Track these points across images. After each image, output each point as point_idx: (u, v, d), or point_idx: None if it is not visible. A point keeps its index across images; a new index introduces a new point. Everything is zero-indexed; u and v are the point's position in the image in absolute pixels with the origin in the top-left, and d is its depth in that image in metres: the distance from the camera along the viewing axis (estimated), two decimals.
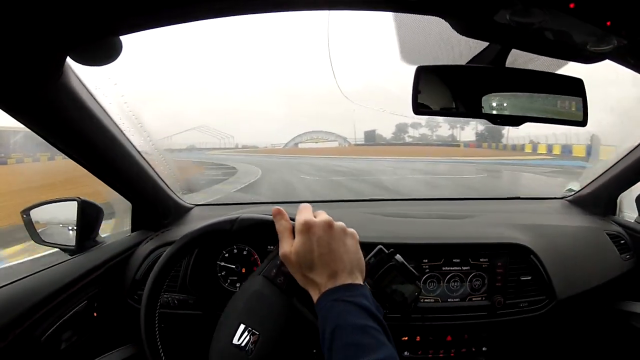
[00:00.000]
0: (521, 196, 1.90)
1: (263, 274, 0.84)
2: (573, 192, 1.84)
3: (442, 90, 0.79)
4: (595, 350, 1.58)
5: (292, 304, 0.79)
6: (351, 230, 0.78)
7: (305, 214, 0.76)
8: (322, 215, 0.77)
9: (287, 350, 0.73)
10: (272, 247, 1.21)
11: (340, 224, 0.77)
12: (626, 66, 0.93)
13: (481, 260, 1.27)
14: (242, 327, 0.77)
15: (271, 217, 0.82)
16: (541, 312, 1.27)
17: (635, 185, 1.59)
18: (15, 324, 0.92)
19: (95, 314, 1.17)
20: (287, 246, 0.74)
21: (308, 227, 0.73)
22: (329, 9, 0.75)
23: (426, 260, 1.25)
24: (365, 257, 0.88)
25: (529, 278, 1.29)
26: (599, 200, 1.70)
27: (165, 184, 1.41)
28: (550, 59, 0.87)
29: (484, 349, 1.29)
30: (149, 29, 0.69)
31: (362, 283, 0.72)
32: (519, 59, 0.86)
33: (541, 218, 1.58)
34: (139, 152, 1.21)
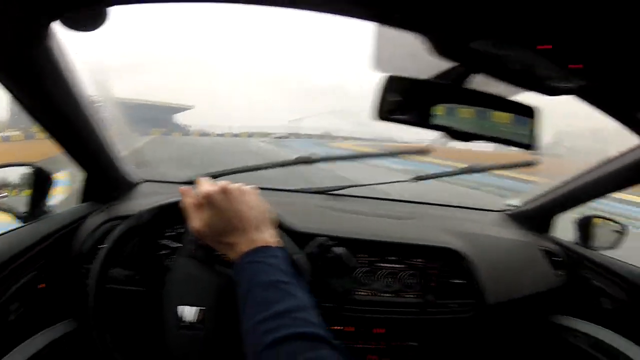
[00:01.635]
0: (463, 205, 2.00)
1: (183, 255, 0.87)
2: (513, 207, 1.95)
3: (406, 100, 0.84)
4: (523, 357, 1.70)
5: (218, 272, 0.85)
6: (247, 188, 0.84)
7: (204, 186, 0.81)
8: (220, 183, 0.82)
9: (233, 315, 0.76)
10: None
11: (236, 185, 0.82)
12: (593, 105, 1.00)
13: (416, 260, 1.35)
14: (184, 309, 0.81)
15: (176, 198, 0.88)
16: (470, 315, 1.37)
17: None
18: None
19: (42, 285, 1.16)
20: (196, 221, 0.79)
21: (208, 197, 0.78)
22: (316, 11, 0.76)
23: (365, 255, 1.31)
24: (304, 247, 0.93)
25: (460, 282, 1.38)
26: (537, 218, 1.81)
27: (118, 156, 1.40)
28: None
29: (413, 343, 1.37)
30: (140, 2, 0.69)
31: (271, 240, 0.77)
32: (478, 79, 0.92)
33: (479, 227, 1.68)
34: (102, 123, 1.20)
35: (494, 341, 1.63)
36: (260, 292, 0.66)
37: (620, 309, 1.50)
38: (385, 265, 1.33)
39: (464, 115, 0.88)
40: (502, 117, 0.91)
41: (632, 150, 1.33)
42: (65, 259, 1.22)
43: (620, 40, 0.64)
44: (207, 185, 0.81)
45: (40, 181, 1.24)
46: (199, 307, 0.80)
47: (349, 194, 1.80)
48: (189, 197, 0.82)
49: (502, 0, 0.59)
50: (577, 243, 1.75)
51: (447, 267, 1.38)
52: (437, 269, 1.36)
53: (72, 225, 1.26)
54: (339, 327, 1.30)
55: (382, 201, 1.93)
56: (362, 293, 1.29)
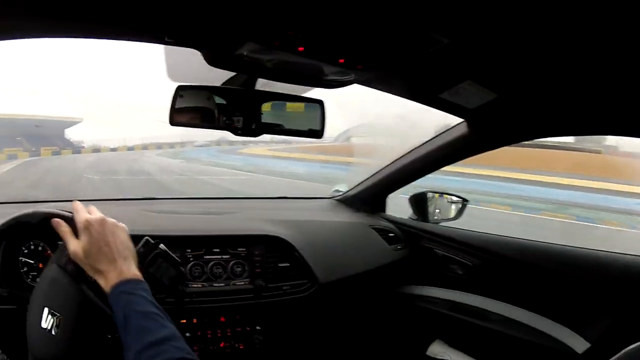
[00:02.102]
0: (288, 196, 2.12)
1: (56, 263, 0.93)
2: (341, 193, 2.09)
3: (196, 106, 0.95)
4: (376, 328, 1.84)
5: (83, 290, 0.90)
6: (121, 224, 0.94)
7: (83, 213, 0.90)
8: (97, 213, 0.92)
9: (86, 331, 0.85)
10: (61, 242, 1.26)
11: (112, 220, 0.92)
12: (376, 89, 1.14)
13: (239, 249, 1.44)
14: (46, 310, 0.87)
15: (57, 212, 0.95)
16: (305, 295, 1.47)
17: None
18: None
19: None
20: (74, 243, 0.87)
21: (88, 225, 0.87)
22: (109, 38, 0.83)
23: (189, 250, 1.38)
24: (135, 247, 1.02)
25: (287, 265, 1.48)
26: (367, 199, 1.98)
27: None
28: None
29: (257, 327, 1.46)
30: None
31: (138, 274, 0.88)
32: (272, 83, 1.03)
33: (304, 214, 1.82)
34: None
35: (343, 316, 1.73)
36: (138, 321, 0.76)
37: (471, 272, 1.65)
38: (211, 257, 1.39)
39: (264, 113, 1.01)
40: (295, 109, 1.06)
41: (449, 129, 1.53)
42: None
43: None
44: (85, 212, 0.90)
45: None
46: (58, 313, 0.85)
47: (173, 197, 1.89)
48: (64, 225, 0.90)
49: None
50: (414, 219, 1.89)
51: (270, 252, 1.47)
52: (261, 255, 1.44)
53: None
54: (184, 321, 1.37)
55: (204, 200, 2.04)
56: (195, 285, 1.35)
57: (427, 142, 1.65)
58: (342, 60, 0.85)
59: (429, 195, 1.89)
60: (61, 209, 1.08)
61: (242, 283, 1.41)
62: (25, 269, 1.28)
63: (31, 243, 1.28)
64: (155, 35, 0.81)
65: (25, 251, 1.28)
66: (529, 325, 1.49)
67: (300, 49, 0.78)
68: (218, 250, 1.42)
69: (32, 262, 1.27)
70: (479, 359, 1.60)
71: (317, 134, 1.07)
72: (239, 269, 1.42)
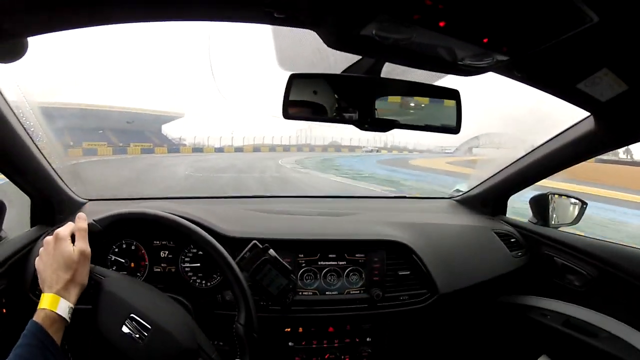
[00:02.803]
0: (407, 195, 1.99)
1: None
2: (461, 193, 1.94)
3: (312, 97, 0.82)
4: (487, 341, 1.69)
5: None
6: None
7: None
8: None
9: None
10: (157, 243, 1.26)
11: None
12: (512, 78, 0.99)
13: (357, 255, 1.33)
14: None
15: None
16: (423, 305, 1.34)
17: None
18: None
19: (4, 310, 1.14)
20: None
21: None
22: (209, 20, 0.76)
23: (302, 255, 1.29)
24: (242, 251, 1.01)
25: (408, 273, 1.35)
26: (488, 200, 1.81)
27: (61, 179, 1.39)
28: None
29: (368, 339, 1.35)
30: (58, 30, 0.70)
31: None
32: (396, 68, 0.91)
33: (425, 217, 1.67)
34: (37, 146, 1.19)
35: (453, 327, 1.61)
36: None
37: (591, 284, 1.49)
38: (326, 263, 1.30)
39: (385, 105, 0.87)
40: (426, 106, 0.91)
41: (574, 126, 1.35)
42: (21, 283, 1.19)
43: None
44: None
45: None
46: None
47: (283, 195, 1.80)
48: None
49: None
50: (534, 222, 1.73)
51: (391, 259, 1.36)
52: (380, 262, 1.34)
53: (24, 250, 1.23)
54: (288, 329, 1.29)
55: (320, 199, 1.92)
56: (306, 293, 1.27)
57: (550, 140, 1.49)
58: (486, 40, 0.71)
59: (550, 196, 1.71)
60: (162, 209, 1.04)
61: (357, 292, 1.31)
62: (114, 267, 1.26)
63: (123, 242, 1.27)
64: (263, 11, 0.70)
65: (116, 250, 1.27)
66: None
67: (442, 23, 0.65)
68: (334, 256, 1.32)
69: (122, 260, 1.26)
70: None
71: (453, 129, 0.91)
72: (355, 277, 1.32)
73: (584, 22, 0.65)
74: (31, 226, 1.39)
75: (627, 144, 1.35)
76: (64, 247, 0.88)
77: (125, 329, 0.86)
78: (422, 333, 1.51)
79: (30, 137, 1.16)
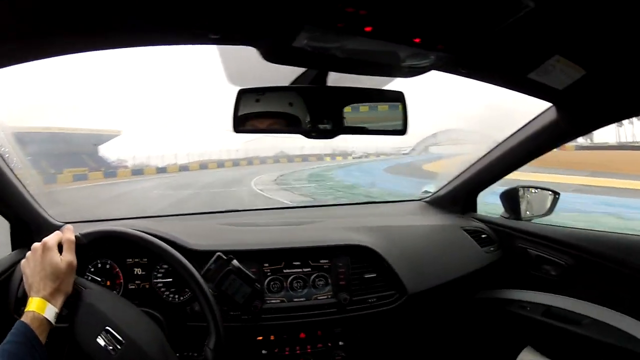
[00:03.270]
0: (376, 200, 2.00)
1: None
2: (430, 194, 1.95)
3: (261, 109, 0.85)
4: (466, 337, 1.69)
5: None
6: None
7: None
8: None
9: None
10: (130, 260, 1.27)
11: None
12: (459, 75, 1.01)
13: (321, 261, 1.34)
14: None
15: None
16: (393, 306, 1.35)
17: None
18: None
19: None
20: None
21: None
22: (148, 45, 0.78)
23: (267, 265, 1.30)
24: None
25: (374, 275, 1.36)
26: (457, 199, 1.83)
27: (36, 202, 1.40)
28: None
29: (340, 343, 1.36)
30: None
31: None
32: (345, 77, 0.93)
33: (392, 219, 1.69)
34: (12, 171, 1.22)
35: (431, 326, 1.62)
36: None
37: (568, 273, 1.50)
38: (291, 271, 1.31)
39: (332, 112, 0.89)
40: (372, 111, 0.94)
41: (536, 117, 1.38)
42: (4, 305, 1.20)
43: None
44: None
45: None
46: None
47: (252, 208, 1.81)
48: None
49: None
50: (506, 217, 1.74)
51: (355, 263, 1.37)
52: (345, 267, 1.35)
53: (5, 274, 1.25)
54: (260, 337, 1.29)
55: (289, 209, 1.95)
56: (274, 301, 1.28)
57: (514, 134, 1.52)
58: (418, 40, 0.73)
59: (520, 190, 1.73)
60: (133, 227, 1.06)
61: (325, 297, 1.32)
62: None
63: (98, 261, 1.28)
64: (198, 33, 0.73)
65: (92, 269, 1.28)
66: (629, 333, 1.29)
67: (368, 28, 0.67)
68: (298, 263, 1.33)
69: (99, 279, 1.27)
70: None
71: (400, 131, 0.94)
72: (321, 283, 1.33)
73: (519, 9, 0.66)
74: (12, 250, 1.40)
75: (590, 131, 1.37)
76: (52, 256, 0.92)
77: (100, 341, 0.88)
78: (396, 334, 1.51)
79: (5, 162, 1.18)
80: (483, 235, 1.67)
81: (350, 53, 0.77)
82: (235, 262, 1.08)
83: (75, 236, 0.99)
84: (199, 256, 1.19)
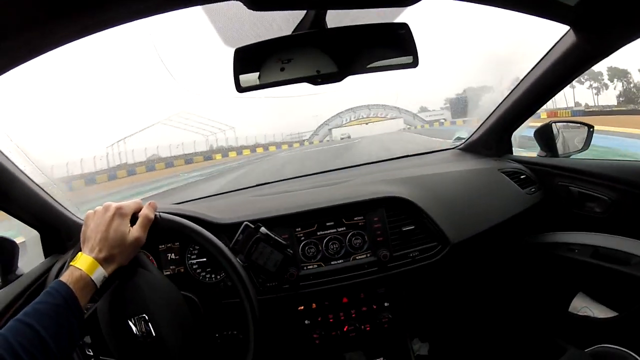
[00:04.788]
0: (409, 153, 1.93)
1: None
2: (463, 140, 1.88)
3: (262, 65, 0.81)
4: (516, 285, 1.62)
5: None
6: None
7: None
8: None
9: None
10: (162, 247, 1.25)
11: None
12: (470, 1, 0.96)
13: (355, 218, 1.28)
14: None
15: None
16: (436, 259, 1.29)
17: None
18: None
19: None
20: None
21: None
22: (143, 16, 0.75)
23: (299, 229, 1.26)
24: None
25: (413, 228, 1.29)
26: (490, 142, 1.74)
27: (63, 206, 1.39)
28: (382, 10, 0.89)
29: (385, 304, 1.30)
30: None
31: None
32: (345, 17, 0.88)
33: (426, 169, 1.60)
34: (29, 178, 1.21)
35: (476, 276, 1.56)
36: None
37: (613, 209, 1.41)
38: (325, 232, 1.26)
39: (338, 54, 0.85)
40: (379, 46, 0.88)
41: (555, 45, 1.30)
42: None
43: None
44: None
45: (5, 250, 1.26)
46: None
47: (286, 178, 1.78)
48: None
49: None
50: (543, 156, 1.67)
51: (392, 217, 1.30)
52: (381, 221, 1.28)
53: (40, 280, 1.25)
54: (301, 307, 1.25)
55: (319, 174, 1.87)
56: (310, 267, 1.23)
57: (536, 65, 1.43)
58: None
59: (554, 126, 1.65)
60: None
61: (364, 256, 1.26)
62: None
63: None
64: None
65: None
66: None
67: None
68: (332, 223, 1.28)
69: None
70: (626, 311, 1.31)
71: (411, 64, 0.87)
72: (358, 241, 1.27)
73: None
74: (45, 258, 1.40)
75: (612, 52, 1.23)
76: (120, 223, 0.87)
77: (130, 323, 0.85)
78: (440, 287, 1.45)
79: (24, 173, 1.18)
80: (522, 176, 1.58)
81: None
82: (263, 229, 1.03)
83: (155, 216, 0.93)
84: (227, 229, 1.15)
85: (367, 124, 50.19)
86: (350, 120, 51.85)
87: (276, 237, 1.03)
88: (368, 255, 1.26)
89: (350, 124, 50.96)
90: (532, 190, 1.55)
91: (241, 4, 0.71)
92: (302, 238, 1.25)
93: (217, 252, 0.96)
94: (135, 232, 0.87)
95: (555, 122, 1.65)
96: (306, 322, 1.26)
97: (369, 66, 0.84)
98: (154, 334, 0.85)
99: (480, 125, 1.77)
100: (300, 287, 1.20)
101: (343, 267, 1.24)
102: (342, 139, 38.79)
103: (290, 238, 1.22)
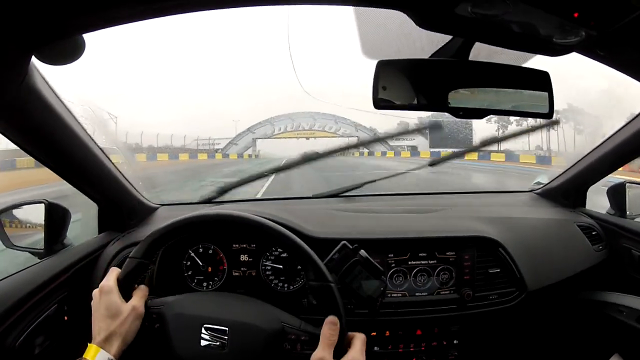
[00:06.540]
0: (489, 190, 1.90)
1: None
2: (542, 185, 1.86)
3: (403, 84, 0.78)
4: (564, 339, 1.61)
5: None
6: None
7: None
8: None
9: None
10: (236, 246, 1.24)
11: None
12: (594, 58, 0.93)
13: (448, 253, 1.27)
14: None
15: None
16: (512, 304, 1.28)
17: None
18: None
19: (66, 318, 1.14)
20: None
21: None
22: (288, 4, 0.74)
23: (392, 255, 1.24)
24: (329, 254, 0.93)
25: (498, 270, 1.29)
26: (568, 192, 1.72)
27: (130, 184, 1.38)
28: (515, 52, 0.88)
29: (455, 341, 1.29)
30: (113, 25, 0.67)
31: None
32: (482, 51, 0.86)
33: (509, 211, 1.59)
34: (103, 152, 1.19)
35: (536, 325, 1.53)
36: None
37: None
38: (416, 262, 1.25)
39: (477, 93, 0.83)
40: (517, 90, 0.86)
41: None
42: (87, 290, 1.21)
43: None
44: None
45: (56, 217, 1.23)
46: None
47: (366, 194, 1.75)
48: None
49: None
50: (611, 214, 1.64)
51: (481, 257, 1.29)
52: (471, 260, 1.27)
53: (91, 257, 1.24)
54: (374, 333, 1.23)
55: (402, 196, 1.85)
56: (395, 295, 1.22)
57: (629, 123, 1.39)
58: (576, 14, 0.67)
59: (627, 185, 1.63)
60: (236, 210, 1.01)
61: (448, 292, 1.26)
62: (190, 272, 1.26)
63: (200, 245, 1.26)
64: None
65: (192, 254, 1.26)
66: None
67: None
68: (425, 254, 1.27)
69: (200, 264, 1.25)
70: None
71: (545, 115, 0.84)
72: (445, 276, 1.27)
73: None
74: (99, 233, 1.40)
75: None
76: (109, 298, 0.87)
77: (203, 342, 0.85)
78: (508, 333, 1.44)
79: (97, 145, 1.16)
80: (594, 232, 1.56)
81: (508, 23, 0.70)
82: (362, 252, 0.97)
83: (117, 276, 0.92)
84: (318, 244, 1.08)
85: (307, 138, 41.49)
86: (286, 130, 42.98)
87: (375, 263, 0.97)
88: (452, 291, 1.25)
89: (283, 136, 42.13)
90: (600, 247, 1.53)
91: (403, 14, 0.69)
92: (393, 265, 1.24)
93: (316, 270, 0.91)
94: (131, 301, 0.88)
95: (630, 182, 1.62)
96: (375, 348, 1.25)
97: (507, 109, 0.82)
98: (226, 328, 0.85)
99: (562, 174, 1.74)
100: (380, 314, 1.19)
101: (427, 301, 1.23)
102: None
103: (381, 263, 1.20)
